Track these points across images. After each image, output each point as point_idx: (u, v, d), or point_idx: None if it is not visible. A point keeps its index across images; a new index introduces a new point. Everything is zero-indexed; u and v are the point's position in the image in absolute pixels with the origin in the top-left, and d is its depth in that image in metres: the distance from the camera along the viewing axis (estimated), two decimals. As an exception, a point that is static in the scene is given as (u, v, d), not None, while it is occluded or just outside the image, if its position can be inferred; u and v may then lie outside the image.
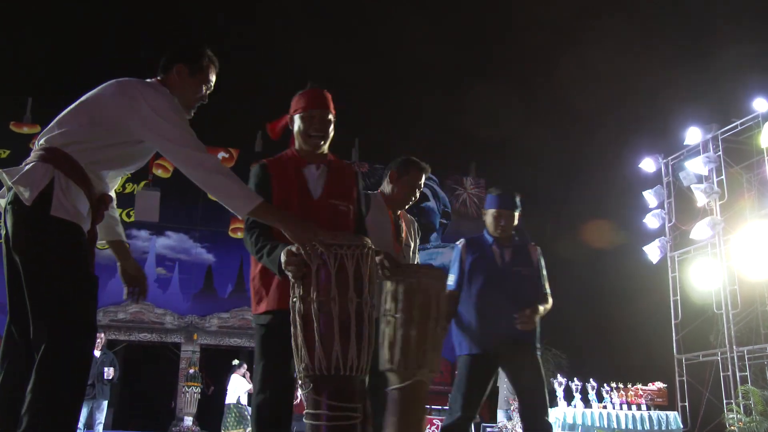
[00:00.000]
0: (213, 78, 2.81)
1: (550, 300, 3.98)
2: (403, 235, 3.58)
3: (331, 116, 2.94)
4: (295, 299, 2.43)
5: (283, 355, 2.58)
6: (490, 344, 3.75)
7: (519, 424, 9.11)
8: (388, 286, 2.91)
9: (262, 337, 2.77)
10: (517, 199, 4.00)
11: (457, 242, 4.08)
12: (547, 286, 4.01)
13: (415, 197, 3.62)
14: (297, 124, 2.92)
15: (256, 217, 2.56)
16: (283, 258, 2.44)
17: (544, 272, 4.03)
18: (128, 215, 14.71)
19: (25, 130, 14.74)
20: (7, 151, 14.31)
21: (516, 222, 3.99)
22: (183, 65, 2.72)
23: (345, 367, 2.38)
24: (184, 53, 2.76)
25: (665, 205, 13.71)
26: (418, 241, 3.76)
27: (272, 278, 2.71)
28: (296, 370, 2.47)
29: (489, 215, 4.00)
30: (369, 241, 2.52)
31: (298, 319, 2.40)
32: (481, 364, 3.78)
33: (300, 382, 2.45)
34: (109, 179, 2.62)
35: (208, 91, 2.81)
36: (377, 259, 2.75)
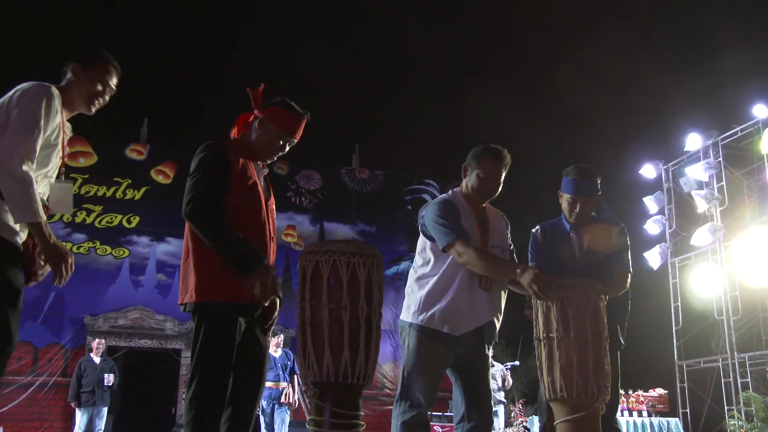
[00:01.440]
0: (112, 79, 2.87)
1: (624, 280, 3.65)
2: (488, 233, 3.34)
3: (294, 143, 3.03)
4: (304, 304, 2.43)
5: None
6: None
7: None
8: (539, 305, 2.92)
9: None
10: (598, 182, 3.64)
11: (533, 229, 3.79)
12: (627, 262, 3.68)
13: (493, 188, 3.37)
14: (270, 134, 2.93)
15: (31, 230, 2.65)
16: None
17: (627, 252, 3.71)
18: (128, 221, 14.72)
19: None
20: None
21: (595, 207, 3.69)
22: (76, 64, 2.80)
23: (353, 375, 2.37)
24: (77, 53, 2.84)
25: (666, 211, 13.71)
26: (509, 241, 3.51)
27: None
28: (304, 376, 2.47)
29: (564, 200, 3.67)
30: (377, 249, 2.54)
31: (307, 324, 2.40)
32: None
33: (305, 387, 2.44)
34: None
35: (108, 92, 2.87)
36: (527, 278, 2.94)
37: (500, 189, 3.40)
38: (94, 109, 2.86)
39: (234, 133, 3.05)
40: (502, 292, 3.33)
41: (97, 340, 10.49)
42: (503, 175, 3.38)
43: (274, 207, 3.01)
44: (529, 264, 3.65)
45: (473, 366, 3.26)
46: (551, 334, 2.88)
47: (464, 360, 3.24)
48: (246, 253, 2.61)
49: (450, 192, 3.46)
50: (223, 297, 2.62)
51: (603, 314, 2.90)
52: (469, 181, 3.38)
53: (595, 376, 2.77)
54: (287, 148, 3.02)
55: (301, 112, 2.98)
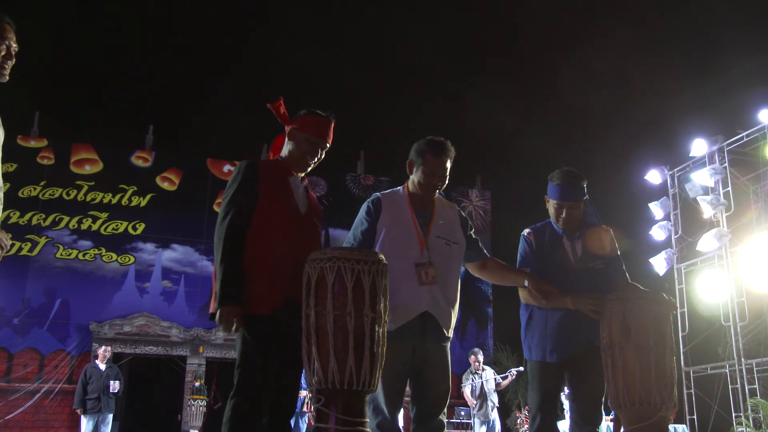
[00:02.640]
0: (9, 35, 2.58)
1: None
2: (430, 227, 3.28)
3: (328, 146, 3.12)
4: (309, 311, 2.43)
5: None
6: (565, 354, 3.34)
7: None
8: (606, 314, 2.96)
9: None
10: (585, 186, 3.53)
11: (524, 232, 3.62)
12: (624, 270, 3.54)
13: (440, 182, 3.33)
14: (301, 142, 3.04)
15: None
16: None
17: (620, 259, 3.58)
18: (134, 228, 14.75)
19: (32, 143, 14.81)
20: (15, 165, 14.35)
21: (582, 212, 3.56)
22: None
23: (358, 382, 2.37)
24: None
25: (671, 217, 13.67)
26: (470, 233, 3.44)
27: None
28: (309, 382, 2.47)
29: (551, 206, 3.56)
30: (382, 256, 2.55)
31: (311, 331, 2.40)
32: (553, 373, 3.39)
33: (310, 395, 2.44)
34: None
35: (11, 50, 2.59)
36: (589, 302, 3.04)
37: (447, 181, 3.37)
38: (5, 74, 2.60)
39: (271, 156, 3.18)
40: (452, 282, 3.24)
41: (103, 347, 10.49)
42: (448, 168, 3.33)
43: (317, 220, 3.05)
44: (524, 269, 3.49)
45: (424, 367, 3.13)
46: (613, 344, 2.91)
47: (418, 360, 3.13)
48: (224, 285, 2.68)
49: (389, 190, 3.43)
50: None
51: (668, 325, 2.93)
52: (415, 177, 3.35)
53: (658, 385, 2.79)
54: (322, 154, 3.10)
55: (326, 115, 3.07)
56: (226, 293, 2.66)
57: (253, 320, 2.70)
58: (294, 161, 3.05)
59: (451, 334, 3.24)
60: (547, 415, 3.37)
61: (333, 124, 3.09)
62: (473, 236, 3.48)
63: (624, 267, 3.58)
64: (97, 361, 10.17)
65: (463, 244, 3.39)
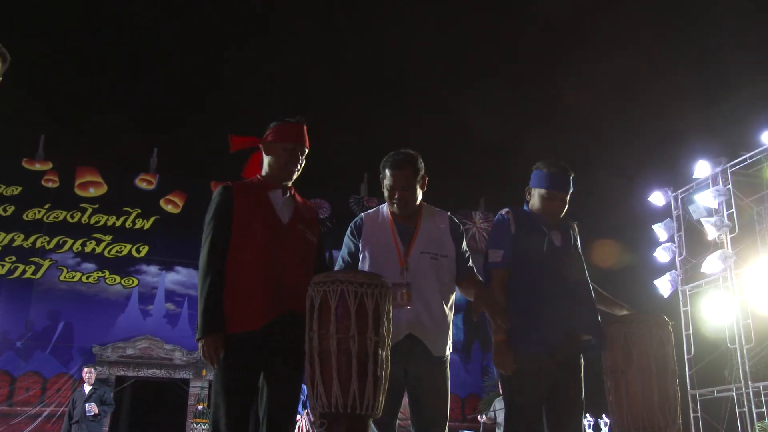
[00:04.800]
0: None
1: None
2: (412, 243, 3.16)
3: (306, 150, 3.09)
4: (312, 335, 2.42)
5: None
6: (547, 346, 3.09)
7: None
8: (607, 338, 2.97)
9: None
10: (572, 180, 3.34)
11: (502, 211, 3.37)
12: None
13: (404, 196, 3.19)
14: (276, 152, 3.02)
15: None
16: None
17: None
18: (138, 251, 14.75)
19: (38, 167, 14.87)
20: (20, 188, 14.42)
21: (566, 206, 3.36)
22: None
23: (361, 406, 2.35)
24: None
25: (675, 239, 13.64)
26: (462, 248, 3.29)
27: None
28: (312, 406, 2.45)
29: (536, 195, 3.34)
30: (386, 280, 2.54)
31: (315, 355, 2.39)
32: (538, 365, 3.10)
33: (313, 419, 2.42)
34: None
35: None
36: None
37: (416, 195, 3.22)
38: None
39: (250, 175, 3.14)
40: (438, 300, 3.11)
41: (85, 369, 9.91)
42: (411, 180, 3.19)
43: (303, 226, 3.01)
44: (498, 250, 3.23)
45: (418, 389, 3.05)
46: (616, 368, 2.91)
47: (411, 382, 3.04)
48: (202, 316, 2.71)
49: (373, 209, 3.37)
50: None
51: (669, 347, 2.93)
52: (385, 193, 3.27)
53: (662, 408, 2.79)
54: (302, 159, 3.07)
55: (296, 119, 3.07)
56: (204, 324, 2.69)
57: (231, 342, 2.70)
58: (276, 174, 3.04)
59: (444, 353, 3.11)
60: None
61: (305, 128, 3.08)
62: (463, 250, 3.30)
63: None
64: (84, 385, 9.71)
65: (453, 257, 3.23)
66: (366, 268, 3.07)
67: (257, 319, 2.71)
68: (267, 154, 3.06)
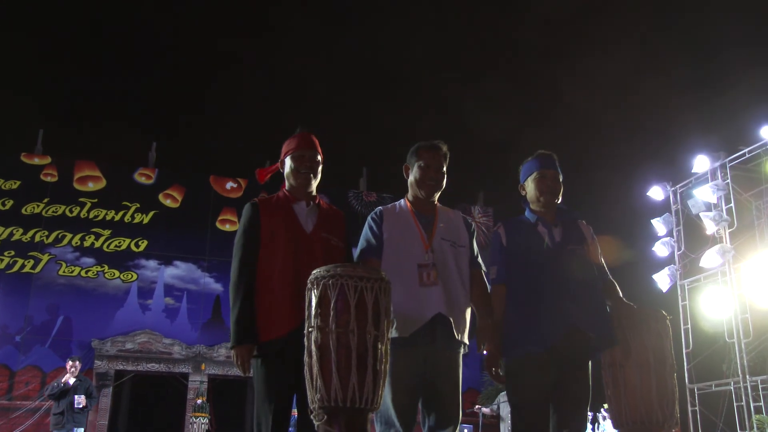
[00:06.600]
0: None
1: (619, 290, 3.30)
2: (434, 229, 3.21)
3: (319, 157, 3.22)
4: (311, 329, 2.43)
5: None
6: (546, 344, 3.05)
7: None
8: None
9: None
10: (557, 161, 3.43)
11: (495, 227, 3.43)
12: (607, 273, 3.32)
13: (437, 177, 3.28)
14: (288, 164, 3.20)
15: None
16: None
17: (602, 258, 3.33)
18: (137, 245, 14.75)
19: (36, 161, 14.86)
20: (18, 182, 14.41)
21: (560, 188, 3.39)
22: None
23: (360, 400, 2.36)
24: None
25: (674, 233, 13.66)
26: (473, 243, 3.32)
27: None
28: (311, 400, 2.46)
29: (530, 182, 3.40)
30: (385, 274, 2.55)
31: (314, 349, 2.40)
32: (537, 364, 3.07)
33: (313, 413, 2.43)
34: None
35: None
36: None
37: (444, 181, 3.32)
38: None
39: (261, 178, 3.46)
40: (459, 285, 3.14)
41: (69, 362, 9.74)
42: (444, 165, 3.32)
43: (326, 234, 3.11)
44: (492, 267, 3.31)
45: (435, 377, 3.00)
46: (614, 362, 2.93)
47: (429, 369, 2.99)
48: (236, 324, 2.90)
49: (390, 204, 3.39)
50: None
51: (667, 341, 2.95)
52: (412, 178, 3.32)
53: (660, 402, 2.81)
54: (313, 164, 3.18)
55: (300, 130, 3.23)
56: (236, 334, 2.88)
57: (265, 349, 2.89)
58: (294, 183, 3.18)
59: (465, 339, 3.12)
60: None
61: (311, 135, 3.22)
62: (474, 245, 3.35)
63: (608, 271, 3.41)
64: (68, 376, 9.51)
65: (468, 249, 3.28)
66: (390, 253, 3.13)
67: (283, 327, 2.86)
68: (283, 170, 3.23)
